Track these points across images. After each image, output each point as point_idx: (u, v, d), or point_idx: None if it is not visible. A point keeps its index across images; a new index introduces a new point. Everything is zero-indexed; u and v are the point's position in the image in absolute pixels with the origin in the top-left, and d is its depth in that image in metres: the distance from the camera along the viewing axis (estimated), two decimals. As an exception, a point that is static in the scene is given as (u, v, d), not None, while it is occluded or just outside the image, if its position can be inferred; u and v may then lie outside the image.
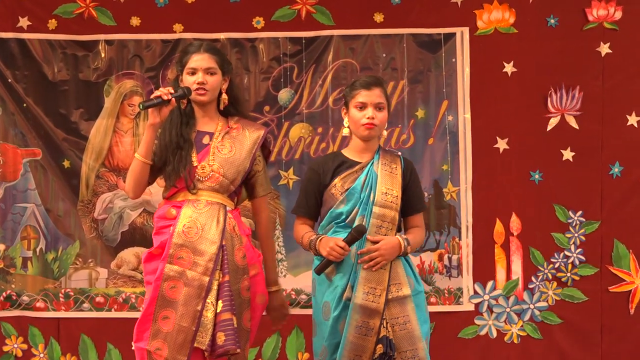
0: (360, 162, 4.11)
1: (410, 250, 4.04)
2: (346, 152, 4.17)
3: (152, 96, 3.93)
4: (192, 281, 3.94)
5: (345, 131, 4.15)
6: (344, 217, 4.05)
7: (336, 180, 4.08)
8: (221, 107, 4.16)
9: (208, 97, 4.09)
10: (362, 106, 4.07)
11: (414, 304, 4.01)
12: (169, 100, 3.92)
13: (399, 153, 4.19)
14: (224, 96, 4.13)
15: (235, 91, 4.22)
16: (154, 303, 3.95)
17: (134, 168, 4.06)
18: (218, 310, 3.94)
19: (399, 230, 4.11)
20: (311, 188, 4.14)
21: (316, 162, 4.22)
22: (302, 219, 4.18)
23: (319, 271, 4.01)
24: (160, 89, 3.97)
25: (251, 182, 4.18)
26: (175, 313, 3.92)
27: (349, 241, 3.95)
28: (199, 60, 4.08)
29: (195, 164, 4.03)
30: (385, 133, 4.27)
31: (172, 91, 3.97)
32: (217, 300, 3.94)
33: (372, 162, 4.11)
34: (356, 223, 3.99)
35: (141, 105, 3.89)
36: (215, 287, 3.94)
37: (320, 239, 4.00)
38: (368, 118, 4.06)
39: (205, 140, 4.11)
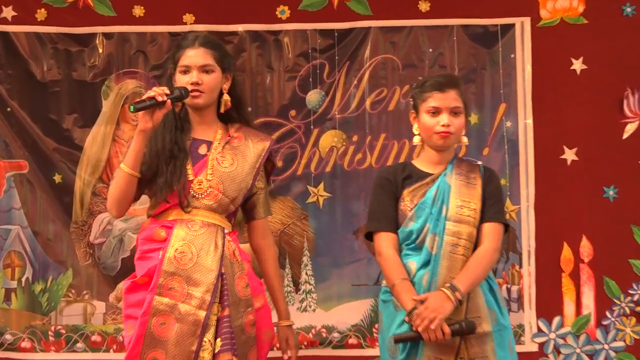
0: (432, 174, 4.00)
1: (467, 290, 3.83)
2: (417, 163, 4.06)
3: (144, 97, 3.76)
4: (186, 316, 3.79)
5: (415, 139, 4.03)
6: (414, 236, 3.93)
7: (405, 194, 3.97)
8: (222, 110, 4.02)
9: (204, 100, 3.95)
10: (435, 111, 3.95)
11: (494, 343, 3.86)
12: (164, 102, 3.73)
13: (479, 162, 4.09)
14: (226, 97, 4.00)
15: (238, 92, 4.09)
16: (141, 342, 3.78)
17: (118, 181, 3.88)
18: (216, 351, 3.79)
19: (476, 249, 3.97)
20: (386, 197, 3.98)
21: (385, 170, 4.13)
22: (386, 235, 3.97)
23: (399, 340, 3.83)
24: (154, 88, 3.81)
25: (251, 202, 4.05)
26: (165, 354, 3.78)
27: (455, 332, 3.77)
28: (193, 56, 3.94)
29: (190, 177, 3.90)
30: (466, 140, 4.07)
31: (167, 91, 3.77)
32: (215, 338, 3.80)
33: (445, 173, 4.00)
34: (427, 243, 3.87)
35: (132, 108, 3.72)
36: (213, 322, 3.81)
37: (418, 309, 3.77)
38: (443, 125, 3.93)
39: (202, 150, 3.98)
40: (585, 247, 5.92)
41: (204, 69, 3.95)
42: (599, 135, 5.90)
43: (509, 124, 5.89)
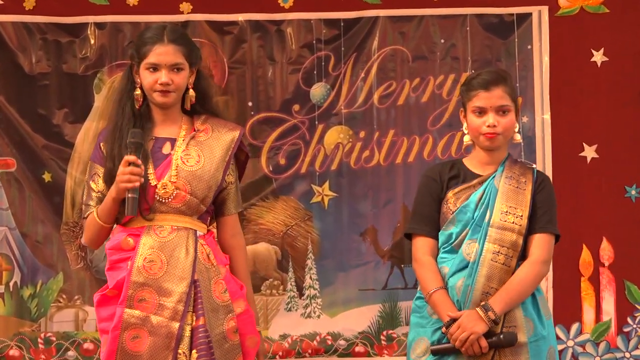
0: (481, 175, 3.98)
1: (504, 310, 3.83)
2: (467, 162, 4.04)
3: (128, 195, 3.73)
4: (159, 328, 3.76)
5: (465, 139, 4.02)
6: (452, 240, 3.93)
7: (449, 195, 3.96)
8: (187, 107, 3.95)
9: (172, 100, 3.88)
10: (481, 111, 3.94)
11: (529, 355, 3.84)
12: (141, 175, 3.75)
13: (533, 165, 4.05)
14: (191, 93, 3.92)
15: (203, 84, 4.00)
16: (113, 358, 3.76)
17: (92, 228, 3.91)
18: None
19: (522, 258, 3.96)
20: (430, 199, 3.98)
21: (432, 169, 4.10)
22: (424, 240, 3.98)
23: (436, 351, 3.86)
24: (122, 177, 3.72)
25: (220, 196, 3.98)
26: None
27: (493, 345, 3.80)
28: (163, 54, 3.83)
29: (153, 182, 3.82)
30: (519, 137, 4.07)
31: (132, 158, 3.74)
32: (190, 349, 3.78)
33: (494, 176, 3.97)
34: (463, 248, 3.88)
35: (131, 213, 3.74)
36: (187, 333, 3.78)
37: (452, 328, 3.81)
38: (488, 126, 3.91)
39: (166, 149, 3.90)
40: (606, 250, 5.93)
41: (174, 68, 3.87)
42: (621, 132, 5.92)
43: (525, 119, 5.90)
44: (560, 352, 5.84)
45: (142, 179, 3.75)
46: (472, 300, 3.83)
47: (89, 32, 5.85)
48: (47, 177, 5.85)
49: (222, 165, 3.91)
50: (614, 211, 5.90)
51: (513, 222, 3.89)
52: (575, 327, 5.89)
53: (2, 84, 5.85)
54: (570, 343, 5.87)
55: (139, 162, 3.72)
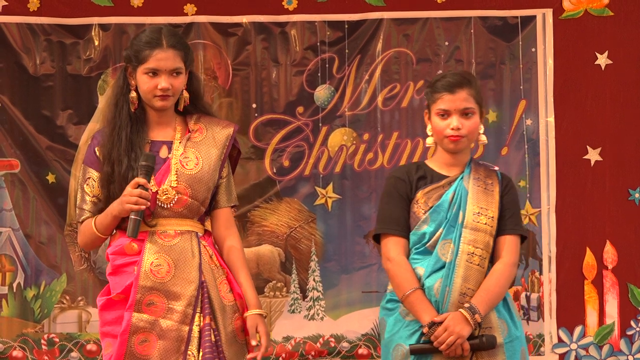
0: (447, 176, 3.97)
1: (486, 312, 3.84)
2: (430, 164, 4.03)
3: (132, 217, 3.72)
4: (168, 332, 3.77)
5: (428, 141, 3.99)
6: (426, 240, 3.90)
7: (419, 195, 3.93)
8: (181, 108, 3.93)
9: (171, 103, 3.88)
10: (445, 113, 3.93)
11: (505, 356, 3.84)
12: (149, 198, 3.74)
13: (496, 167, 4.06)
14: (185, 94, 3.91)
15: (195, 85, 4.00)
16: None
17: (89, 236, 3.92)
18: None
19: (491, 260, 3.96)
20: (399, 199, 3.94)
21: (398, 170, 4.10)
22: (396, 240, 3.94)
23: (416, 351, 3.82)
24: (129, 198, 3.71)
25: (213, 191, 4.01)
26: None
27: (475, 347, 3.79)
28: (164, 59, 3.82)
29: (154, 189, 3.79)
30: (484, 138, 4.05)
31: (143, 180, 3.74)
32: (198, 349, 3.77)
33: (462, 177, 3.95)
34: (438, 248, 3.87)
35: (133, 236, 3.75)
36: (196, 334, 3.78)
37: (437, 331, 3.79)
38: (452, 129, 3.90)
39: (163, 153, 3.89)
40: (609, 253, 5.93)
41: (173, 72, 3.86)
42: (625, 135, 5.91)
43: (529, 122, 5.91)
44: (564, 355, 5.88)
45: (149, 203, 3.75)
46: (450, 302, 3.82)
47: (93, 33, 5.86)
48: (50, 178, 5.86)
49: (218, 163, 3.92)
50: (617, 214, 5.89)
51: (485, 224, 3.89)
52: (578, 330, 5.88)
53: (7, 85, 5.87)
54: (574, 346, 5.87)
55: (149, 186, 3.72)
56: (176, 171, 3.84)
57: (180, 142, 3.90)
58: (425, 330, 3.82)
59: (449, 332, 3.78)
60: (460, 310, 3.82)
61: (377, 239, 4.03)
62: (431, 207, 3.93)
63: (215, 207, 3.99)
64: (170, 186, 3.83)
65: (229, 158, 4.02)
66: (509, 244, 3.95)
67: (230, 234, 3.99)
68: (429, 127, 3.98)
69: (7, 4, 5.85)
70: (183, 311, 3.76)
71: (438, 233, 3.91)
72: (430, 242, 3.92)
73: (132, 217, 3.71)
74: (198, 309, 3.80)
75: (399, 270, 3.92)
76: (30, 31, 5.87)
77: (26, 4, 5.86)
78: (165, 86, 3.81)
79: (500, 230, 3.96)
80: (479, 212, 3.91)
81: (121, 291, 3.80)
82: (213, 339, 3.79)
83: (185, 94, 3.91)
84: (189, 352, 3.77)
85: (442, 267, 3.89)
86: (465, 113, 3.91)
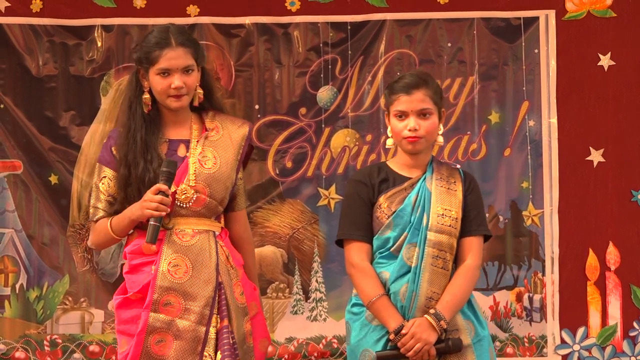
0: (410, 178, 3.97)
1: (451, 316, 3.86)
2: (392, 165, 4.03)
3: (151, 223, 3.75)
4: (185, 333, 3.79)
5: (388, 142, 4.01)
6: (390, 244, 3.89)
7: (381, 200, 3.92)
8: (195, 104, 3.95)
9: (186, 101, 3.90)
10: (402, 115, 3.93)
11: (474, 355, 3.87)
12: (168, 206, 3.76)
13: (458, 166, 4.05)
14: (199, 91, 3.93)
15: (208, 80, 4.02)
16: None
17: (103, 237, 3.92)
18: None
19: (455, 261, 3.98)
20: (361, 203, 3.93)
21: (360, 173, 4.11)
22: (359, 246, 3.93)
23: (382, 358, 3.83)
24: (149, 204, 3.74)
25: (231, 193, 3.99)
26: None
27: (441, 351, 3.82)
28: (174, 58, 3.84)
29: (172, 189, 3.79)
30: (441, 139, 4.04)
31: (164, 187, 3.76)
32: (215, 351, 3.80)
33: (425, 178, 3.96)
34: (403, 252, 3.86)
35: (152, 244, 3.76)
36: (213, 336, 3.80)
37: (403, 339, 3.81)
38: (410, 130, 3.91)
39: (181, 151, 3.91)
40: (612, 254, 5.92)
41: (185, 70, 3.87)
42: (627, 136, 5.91)
43: (532, 123, 5.90)
44: (567, 356, 5.87)
45: (169, 210, 3.76)
46: (417, 306, 3.82)
47: (96, 34, 5.86)
48: (53, 179, 5.85)
49: (235, 163, 3.93)
50: (620, 215, 5.88)
51: (450, 225, 3.89)
52: (581, 331, 5.87)
53: (9, 86, 5.86)
54: (576, 347, 5.86)
55: (170, 192, 3.72)
56: (195, 170, 3.85)
57: (197, 141, 3.90)
58: (392, 337, 3.83)
59: (416, 340, 3.78)
60: (426, 316, 3.82)
61: (340, 244, 4.01)
62: (394, 212, 3.92)
63: (234, 209, 4.02)
64: (189, 185, 3.83)
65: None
66: (473, 246, 3.96)
67: (247, 236, 4.05)
68: (389, 129, 3.96)
69: (9, 5, 5.84)
70: (200, 312, 3.77)
71: (402, 237, 3.90)
72: (395, 246, 3.91)
73: (152, 222, 3.72)
74: (215, 310, 3.80)
75: (363, 277, 3.90)
76: (33, 32, 5.86)
77: (29, 5, 5.85)
78: (179, 85, 3.81)
79: (465, 232, 3.96)
80: (442, 214, 3.90)
81: (138, 290, 3.81)
82: (231, 342, 3.80)
83: (199, 90, 3.91)
84: (205, 354, 3.78)
85: (408, 271, 3.88)
86: (422, 114, 3.89)
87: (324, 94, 5.88)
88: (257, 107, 5.81)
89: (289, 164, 5.75)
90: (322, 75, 5.88)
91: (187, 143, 3.91)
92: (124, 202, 3.84)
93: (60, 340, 5.83)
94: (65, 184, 5.86)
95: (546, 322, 5.86)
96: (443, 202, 3.91)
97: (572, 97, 5.89)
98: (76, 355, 5.83)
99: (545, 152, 5.88)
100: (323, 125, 5.87)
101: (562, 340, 5.88)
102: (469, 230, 3.96)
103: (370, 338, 3.89)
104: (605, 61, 5.87)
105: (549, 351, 5.85)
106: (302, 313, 5.71)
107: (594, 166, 5.90)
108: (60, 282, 5.87)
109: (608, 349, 5.88)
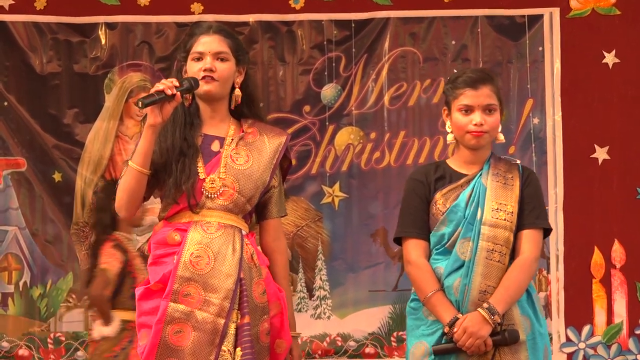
0: (467, 175, 3.94)
1: (505, 309, 3.82)
2: (451, 163, 3.99)
3: (152, 91, 3.69)
4: (203, 324, 3.74)
5: (449, 137, 3.95)
6: (445, 240, 3.88)
7: (437, 197, 3.91)
8: (232, 106, 3.92)
9: (216, 88, 3.84)
10: (468, 109, 3.89)
11: (528, 352, 3.83)
12: (173, 95, 3.68)
13: (517, 161, 3.99)
14: (237, 92, 3.88)
15: (251, 87, 3.97)
16: (154, 352, 3.73)
17: (128, 180, 3.80)
18: None
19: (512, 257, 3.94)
20: (418, 201, 3.92)
21: (417, 171, 4.05)
22: (416, 243, 3.94)
23: (438, 351, 3.81)
24: (163, 80, 3.73)
25: (264, 200, 3.94)
26: None
27: (497, 343, 3.78)
28: (208, 42, 3.84)
29: (202, 176, 3.80)
30: (502, 137, 4.02)
31: (177, 83, 3.71)
32: (234, 347, 3.74)
33: (481, 174, 3.92)
34: (457, 247, 3.86)
35: (140, 103, 3.68)
36: (232, 331, 3.75)
37: (457, 333, 3.79)
38: (475, 125, 3.87)
39: (215, 146, 3.89)
40: (617, 252, 5.94)
41: (218, 56, 3.83)
42: (632, 133, 5.94)
43: (536, 120, 5.94)
44: (572, 354, 5.89)
45: (174, 93, 3.71)
46: (470, 300, 3.81)
47: (99, 32, 5.92)
48: (57, 177, 5.90)
49: (269, 167, 3.90)
50: (625, 213, 5.90)
51: (505, 219, 3.87)
52: (586, 329, 5.89)
53: (13, 84, 5.90)
54: (582, 345, 5.87)
55: (179, 85, 3.74)
56: (225, 164, 3.84)
57: (232, 139, 3.89)
58: (446, 329, 3.84)
59: (468, 334, 3.78)
60: (479, 310, 3.81)
61: (399, 241, 4.04)
62: (449, 208, 3.92)
63: (265, 218, 3.99)
64: (218, 177, 3.82)
65: (279, 168, 4.01)
66: (529, 238, 3.92)
67: (278, 246, 4.00)
68: (448, 124, 3.96)
69: (13, 2, 5.91)
70: (220, 304, 3.74)
71: (456, 233, 3.90)
72: (450, 242, 3.91)
73: (153, 91, 3.71)
74: (235, 305, 3.79)
75: (419, 273, 3.94)
76: (37, 30, 5.92)
77: (33, 2, 5.93)
78: (209, 66, 3.79)
79: (522, 225, 3.93)
80: (497, 208, 3.88)
81: (159, 280, 3.80)
82: (252, 339, 3.79)
83: (237, 92, 3.90)
84: (224, 349, 3.75)
85: (461, 266, 3.88)
86: (488, 109, 3.88)
87: (328, 91, 5.91)
88: (261, 104, 5.76)
89: (292, 162, 5.75)
90: (326, 73, 5.91)
91: (221, 140, 3.90)
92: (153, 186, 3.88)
93: (63, 338, 5.86)
94: (69, 182, 5.91)
95: (551, 320, 5.87)
96: (498, 197, 3.90)
97: (577, 94, 5.93)
98: (79, 352, 5.86)
99: (549, 149, 5.93)
100: (327, 123, 5.92)
101: (568, 338, 5.89)
102: (526, 224, 3.92)
103: (426, 331, 3.90)
104: (609, 59, 5.92)
105: (555, 349, 5.86)
106: (306, 311, 5.73)
107: (599, 163, 5.92)
108: (63, 280, 5.89)
109: (614, 347, 5.89)
